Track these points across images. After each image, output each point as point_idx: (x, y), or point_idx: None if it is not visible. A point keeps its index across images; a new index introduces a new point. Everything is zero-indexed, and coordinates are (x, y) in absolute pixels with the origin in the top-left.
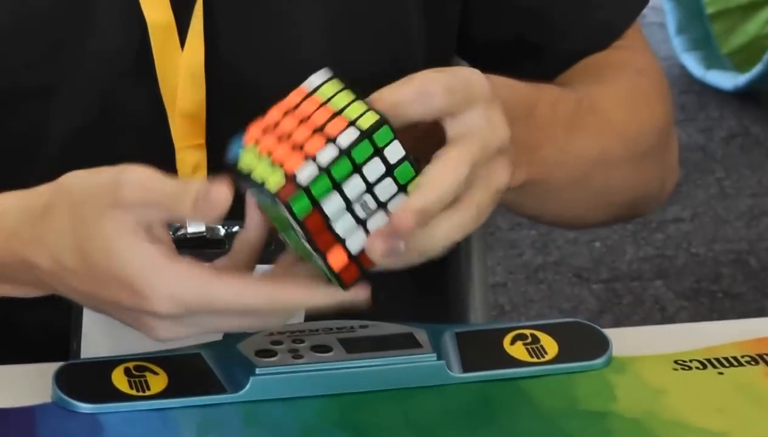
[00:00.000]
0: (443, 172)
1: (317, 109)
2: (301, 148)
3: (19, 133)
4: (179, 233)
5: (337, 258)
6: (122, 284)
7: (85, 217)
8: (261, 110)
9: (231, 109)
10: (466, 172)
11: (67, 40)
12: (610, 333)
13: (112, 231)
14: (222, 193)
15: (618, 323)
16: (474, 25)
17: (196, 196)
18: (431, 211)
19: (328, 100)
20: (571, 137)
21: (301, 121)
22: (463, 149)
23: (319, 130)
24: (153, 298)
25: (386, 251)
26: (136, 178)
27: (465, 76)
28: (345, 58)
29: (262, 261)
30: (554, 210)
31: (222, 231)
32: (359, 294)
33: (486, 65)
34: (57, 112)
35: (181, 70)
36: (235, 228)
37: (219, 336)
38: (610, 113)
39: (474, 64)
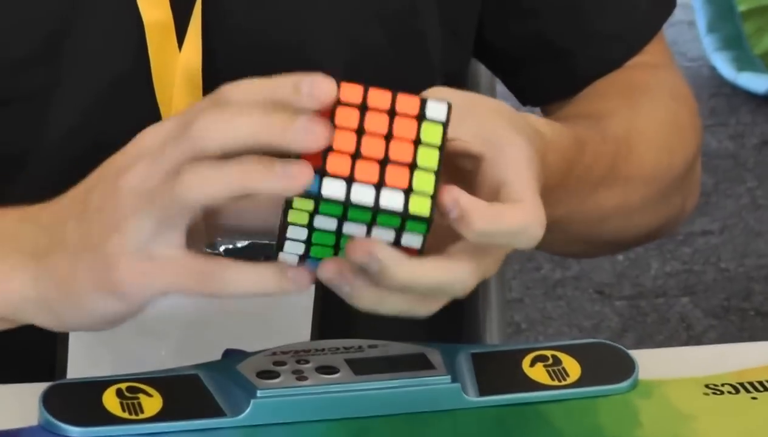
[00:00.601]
0: (442, 268)
1: (405, 123)
2: (357, 156)
3: (11, 136)
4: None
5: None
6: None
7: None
8: None
9: None
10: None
11: (60, 40)
12: (635, 354)
13: None
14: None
15: (641, 343)
16: (490, 27)
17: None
18: (408, 288)
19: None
20: (595, 192)
21: (385, 132)
22: (475, 261)
23: (384, 160)
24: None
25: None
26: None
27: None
28: (358, 66)
29: None
30: (560, 248)
31: (223, 247)
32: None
33: (502, 70)
34: (49, 115)
35: (178, 73)
36: (238, 245)
37: (217, 356)
38: (643, 156)
39: (490, 66)
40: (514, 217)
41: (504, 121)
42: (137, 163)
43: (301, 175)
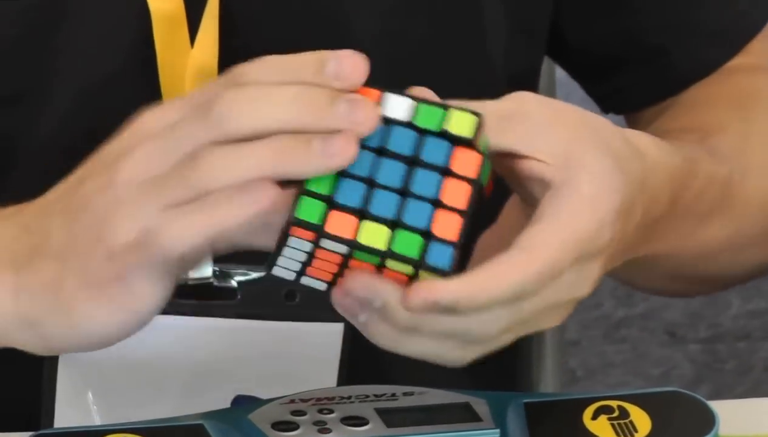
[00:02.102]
0: (502, 276)
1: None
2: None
3: (2, 129)
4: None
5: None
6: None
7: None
8: None
9: None
10: (536, 283)
11: (56, 28)
12: (714, 405)
13: None
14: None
15: (719, 394)
16: (570, 24)
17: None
18: (418, 332)
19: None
20: (704, 222)
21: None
22: (549, 249)
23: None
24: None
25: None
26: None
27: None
28: (401, 62)
29: (280, 318)
30: (654, 284)
31: (236, 279)
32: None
33: (583, 72)
34: (44, 108)
35: (189, 71)
36: (253, 276)
37: (226, 403)
38: (758, 181)
39: (568, 69)
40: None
41: (593, 138)
42: (136, 149)
43: (344, 151)
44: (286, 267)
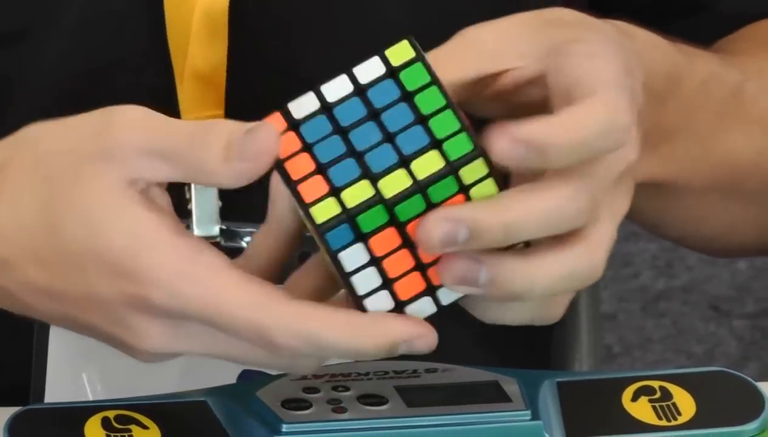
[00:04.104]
0: (543, 197)
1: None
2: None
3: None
4: None
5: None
6: (105, 265)
7: (55, 177)
8: (308, 75)
9: (261, 70)
10: (578, 205)
11: None
12: (764, 386)
13: (95, 192)
14: (270, 133)
15: (767, 373)
16: None
17: (228, 139)
18: (513, 237)
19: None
20: (719, 129)
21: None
22: (581, 173)
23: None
24: (147, 282)
25: (445, 236)
26: (135, 116)
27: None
28: (431, 23)
29: None
30: (683, 223)
31: (246, 240)
32: (423, 333)
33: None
34: (44, 52)
35: (196, 17)
36: None
37: (232, 378)
38: None
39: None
40: (581, 119)
41: (568, 25)
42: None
43: None
44: (369, 287)
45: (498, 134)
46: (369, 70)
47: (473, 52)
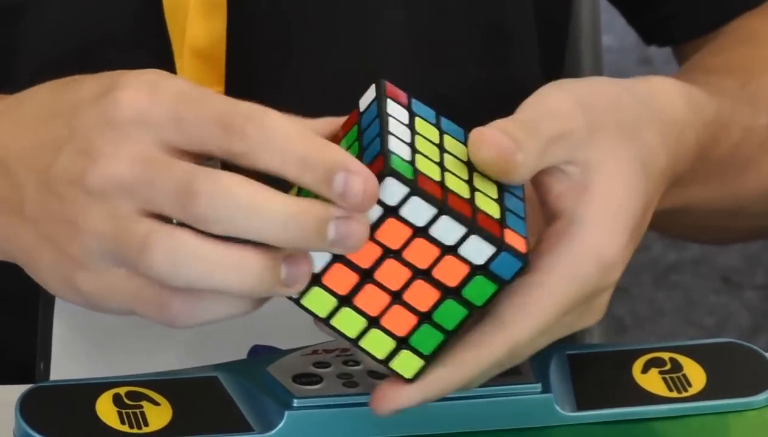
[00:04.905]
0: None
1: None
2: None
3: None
4: None
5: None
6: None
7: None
8: (306, 51)
9: (260, 47)
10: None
11: None
12: None
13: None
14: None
15: None
16: None
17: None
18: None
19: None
20: (737, 177)
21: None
22: (553, 297)
23: (397, 293)
24: (122, 87)
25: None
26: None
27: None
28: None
29: None
30: (682, 231)
31: None
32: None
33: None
34: (40, 28)
35: None
36: None
37: (242, 354)
38: None
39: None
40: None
41: (621, 146)
42: (113, 155)
43: (301, 284)
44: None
45: (379, 400)
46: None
47: (566, 145)
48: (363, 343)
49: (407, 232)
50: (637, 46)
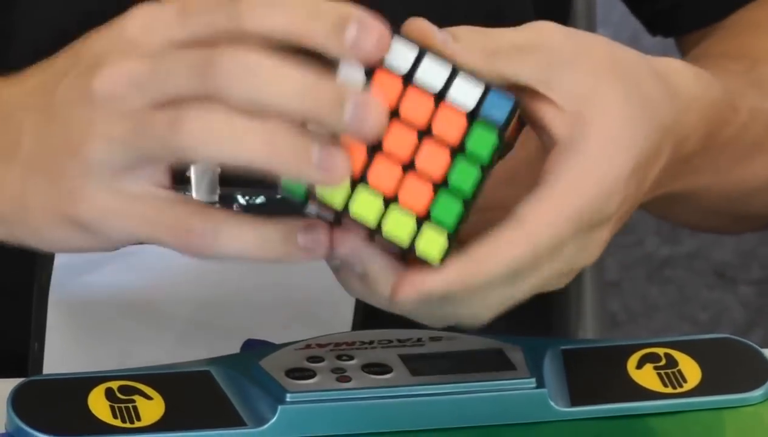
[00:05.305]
0: (495, 257)
1: (451, 117)
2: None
3: None
4: None
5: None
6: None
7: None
8: None
9: None
10: (533, 261)
11: None
12: None
13: None
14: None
15: None
16: None
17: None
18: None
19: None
20: (744, 161)
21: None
22: (548, 224)
23: (408, 165)
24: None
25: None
26: None
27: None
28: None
29: None
30: (693, 220)
31: (240, 202)
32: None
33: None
34: (21, 23)
35: None
36: (259, 200)
37: (235, 348)
38: None
39: None
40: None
41: (622, 78)
42: (122, 58)
43: (337, 170)
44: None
45: (403, 284)
46: None
47: (540, 57)
48: (385, 228)
49: (397, 83)
50: (633, 40)
